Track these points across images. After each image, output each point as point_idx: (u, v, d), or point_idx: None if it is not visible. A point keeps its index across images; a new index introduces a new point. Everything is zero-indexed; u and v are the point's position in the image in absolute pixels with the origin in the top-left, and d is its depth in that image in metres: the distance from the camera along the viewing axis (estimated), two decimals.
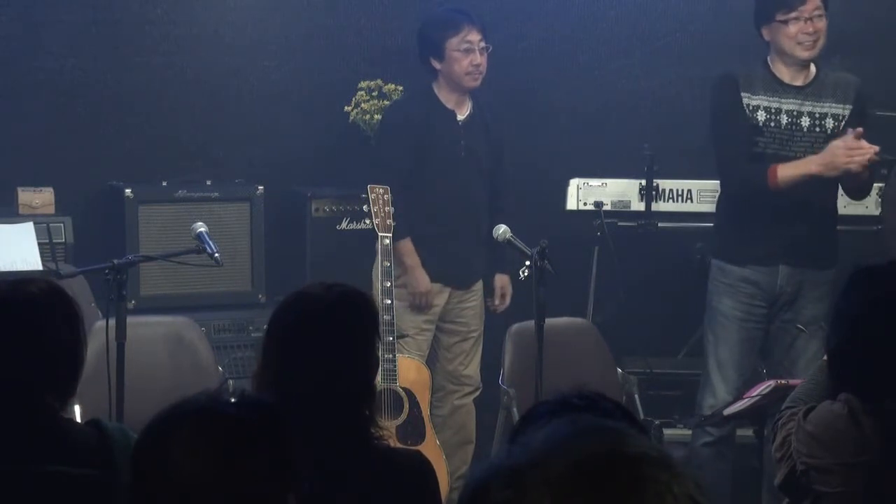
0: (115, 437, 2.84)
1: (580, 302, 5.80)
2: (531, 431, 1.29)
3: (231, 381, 4.85)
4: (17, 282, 2.95)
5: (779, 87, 5.15)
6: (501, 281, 5.66)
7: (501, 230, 5.00)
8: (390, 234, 5.18)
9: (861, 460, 2.92)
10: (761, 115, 5.13)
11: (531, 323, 4.85)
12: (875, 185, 5.81)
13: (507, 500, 1.22)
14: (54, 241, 5.04)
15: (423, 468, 3.00)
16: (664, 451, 1.26)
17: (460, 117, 5.53)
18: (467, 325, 5.65)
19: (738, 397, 5.22)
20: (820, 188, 5.15)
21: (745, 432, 5.37)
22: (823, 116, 5.18)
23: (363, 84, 6.09)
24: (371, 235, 5.34)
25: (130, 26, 6.00)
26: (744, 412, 4.52)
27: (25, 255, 4.82)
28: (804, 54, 5.11)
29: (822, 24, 5.10)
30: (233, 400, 2.15)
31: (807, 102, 5.16)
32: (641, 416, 5.33)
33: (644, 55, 6.45)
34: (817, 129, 5.16)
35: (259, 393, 2.83)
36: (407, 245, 5.41)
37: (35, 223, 5.05)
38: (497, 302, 5.69)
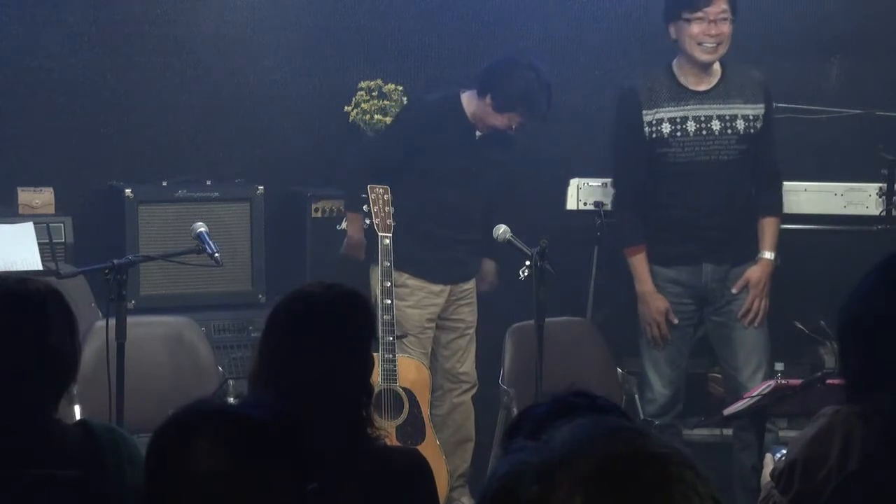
0: (102, 438, 2.82)
1: (580, 302, 5.80)
2: (552, 430, 1.29)
3: (231, 381, 4.85)
4: (16, 281, 2.94)
5: (683, 94, 5.25)
6: (487, 265, 5.73)
7: (501, 230, 5.00)
8: (390, 234, 5.19)
9: (853, 468, 2.89)
10: (666, 127, 5.24)
11: (531, 323, 4.86)
12: (874, 184, 5.83)
13: (534, 498, 1.22)
14: (54, 241, 5.04)
15: (420, 467, 3.01)
16: (685, 451, 1.27)
17: (479, 132, 5.54)
18: (463, 321, 5.68)
19: (676, 390, 5.30)
20: (736, 181, 5.28)
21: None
22: (733, 118, 5.26)
23: (363, 84, 6.09)
24: (371, 235, 5.35)
25: (130, 26, 5.99)
26: (743, 412, 4.52)
27: (25, 255, 4.81)
28: (704, 57, 5.19)
29: (726, 28, 5.16)
30: (241, 402, 2.16)
31: (714, 105, 5.25)
32: (641, 416, 5.35)
33: (644, 55, 6.44)
34: (729, 131, 5.25)
35: (265, 394, 2.84)
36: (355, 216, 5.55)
37: (35, 223, 5.05)
38: (479, 283, 5.74)
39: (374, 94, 6.08)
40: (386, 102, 6.06)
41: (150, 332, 5.02)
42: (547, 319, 4.80)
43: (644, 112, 5.25)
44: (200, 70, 6.11)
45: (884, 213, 5.77)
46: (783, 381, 4.44)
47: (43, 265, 4.77)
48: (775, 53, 5.48)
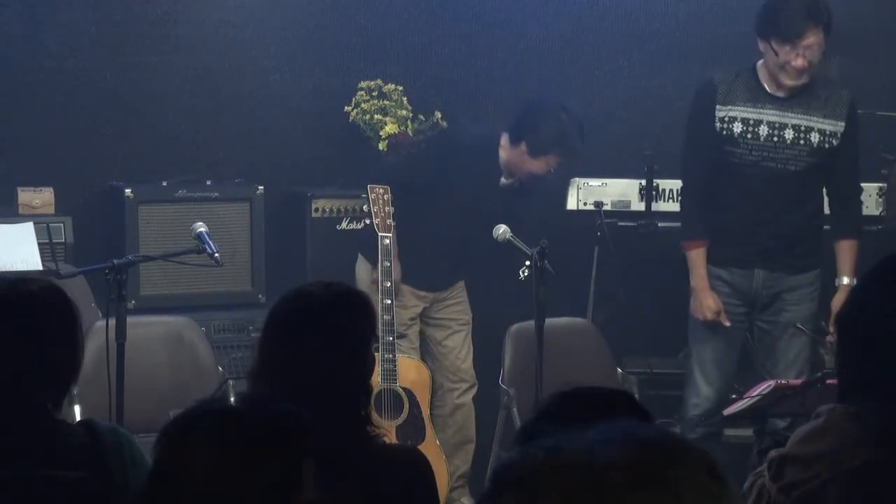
0: (106, 438, 2.82)
1: (580, 302, 5.80)
2: (547, 434, 1.29)
3: (231, 381, 4.84)
4: (16, 280, 2.94)
5: (761, 97, 5.12)
6: None
7: (501, 230, 5.00)
8: (390, 234, 5.18)
9: (846, 468, 2.88)
10: (737, 127, 5.12)
11: (531, 323, 4.85)
12: (874, 184, 5.83)
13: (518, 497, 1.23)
14: (54, 241, 5.04)
15: (420, 465, 3.00)
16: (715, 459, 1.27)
17: (503, 181, 5.54)
18: (455, 319, 5.73)
19: (722, 395, 5.27)
20: (802, 192, 5.18)
21: (746, 432, 5.38)
22: (809, 130, 5.13)
23: (363, 84, 6.09)
24: (371, 235, 5.35)
25: (130, 26, 5.99)
26: (744, 412, 4.52)
27: (25, 255, 4.81)
28: (788, 82, 5.06)
29: (815, 55, 5.01)
30: (243, 401, 2.17)
31: (791, 114, 5.11)
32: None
33: (644, 55, 6.45)
34: (801, 142, 5.12)
35: (267, 392, 2.84)
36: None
37: (35, 223, 5.05)
38: None
39: (374, 94, 6.08)
40: (386, 102, 6.06)
41: (150, 332, 5.02)
42: (547, 320, 4.80)
43: (717, 107, 5.13)
44: (200, 70, 6.11)
45: (884, 213, 5.77)
46: (783, 381, 4.45)
47: (43, 265, 4.77)
48: None
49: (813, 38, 4.96)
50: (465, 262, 5.68)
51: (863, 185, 5.80)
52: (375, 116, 6.02)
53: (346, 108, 6.08)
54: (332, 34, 6.27)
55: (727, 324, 5.19)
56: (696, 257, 5.22)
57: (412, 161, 5.76)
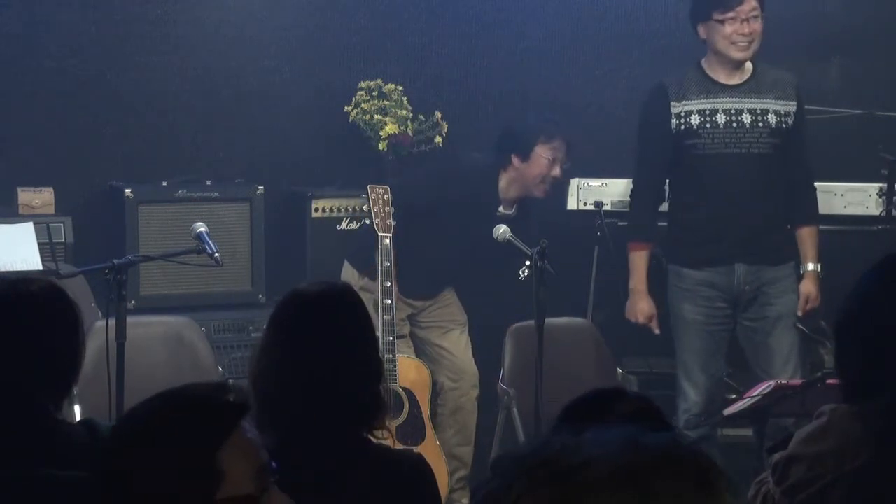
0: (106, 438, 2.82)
1: (580, 302, 5.80)
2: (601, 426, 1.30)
3: (231, 381, 4.84)
4: (17, 280, 2.94)
5: (713, 88, 5.20)
6: None
7: (501, 230, 5.00)
8: (390, 234, 5.18)
9: (848, 468, 2.88)
10: (695, 119, 5.18)
11: (531, 323, 4.85)
12: (874, 184, 5.83)
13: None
14: (54, 241, 5.04)
15: (423, 470, 2.99)
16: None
17: (502, 210, 5.53)
18: (448, 320, 5.74)
19: (711, 398, 5.28)
20: (768, 178, 5.20)
21: (746, 432, 5.38)
22: (765, 112, 5.19)
23: (363, 84, 6.09)
24: (371, 235, 5.34)
25: (130, 26, 5.99)
26: (744, 412, 4.52)
27: (25, 255, 4.81)
28: (738, 55, 5.15)
29: (757, 25, 5.13)
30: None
31: (745, 99, 5.19)
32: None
33: (644, 55, 6.45)
34: (760, 125, 5.18)
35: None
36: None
37: (35, 223, 5.05)
38: None
39: (374, 94, 6.08)
40: (386, 102, 6.06)
41: (150, 332, 5.02)
42: (547, 320, 4.80)
43: (672, 104, 5.18)
44: (200, 70, 6.11)
45: (884, 213, 5.77)
46: (783, 381, 4.44)
47: (43, 265, 4.77)
48: (775, 53, 5.47)
49: (750, 4, 5.09)
50: (454, 275, 5.69)
51: (863, 184, 5.82)
52: (375, 116, 6.02)
53: (346, 108, 6.08)
54: (332, 34, 6.27)
55: (657, 331, 5.28)
56: (639, 259, 5.29)
57: (412, 188, 5.75)
